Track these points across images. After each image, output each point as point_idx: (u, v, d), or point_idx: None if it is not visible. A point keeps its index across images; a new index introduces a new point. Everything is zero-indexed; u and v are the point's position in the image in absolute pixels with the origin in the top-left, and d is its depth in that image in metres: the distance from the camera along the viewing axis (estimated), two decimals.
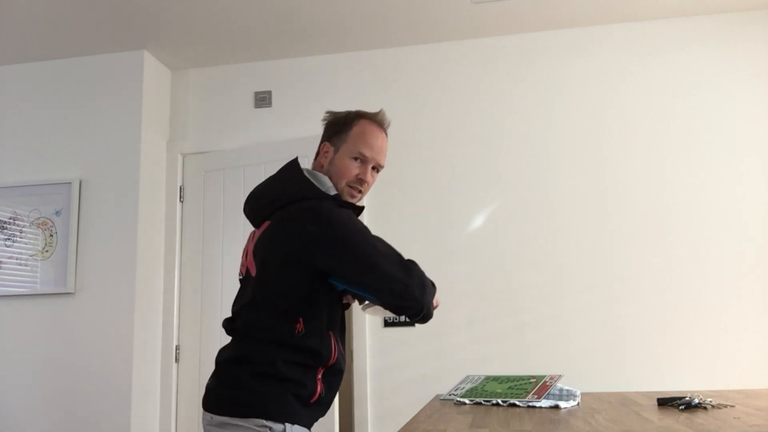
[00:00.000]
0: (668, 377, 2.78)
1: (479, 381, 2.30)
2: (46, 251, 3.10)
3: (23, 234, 3.13)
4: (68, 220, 3.09)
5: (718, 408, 1.63)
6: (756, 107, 2.96)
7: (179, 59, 3.38)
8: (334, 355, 1.47)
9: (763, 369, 2.75)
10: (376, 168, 1.60)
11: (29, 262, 3.10)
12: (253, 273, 1.51)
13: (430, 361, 2.95)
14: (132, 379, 2.91)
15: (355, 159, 1.55)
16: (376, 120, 1.60)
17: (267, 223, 1.53)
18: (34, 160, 3.22)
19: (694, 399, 1.66)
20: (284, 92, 3.37)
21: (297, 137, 3.20)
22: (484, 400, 1.93)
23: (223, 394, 1.46)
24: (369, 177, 1.58)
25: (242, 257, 1.62)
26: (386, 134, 1.63)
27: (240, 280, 1.61)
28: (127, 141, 3.15)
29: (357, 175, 1.56)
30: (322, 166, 1.59)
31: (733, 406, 1.66)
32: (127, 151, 3.14)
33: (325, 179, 1.56)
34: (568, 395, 1.96)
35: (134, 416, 2.90)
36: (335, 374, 1.51)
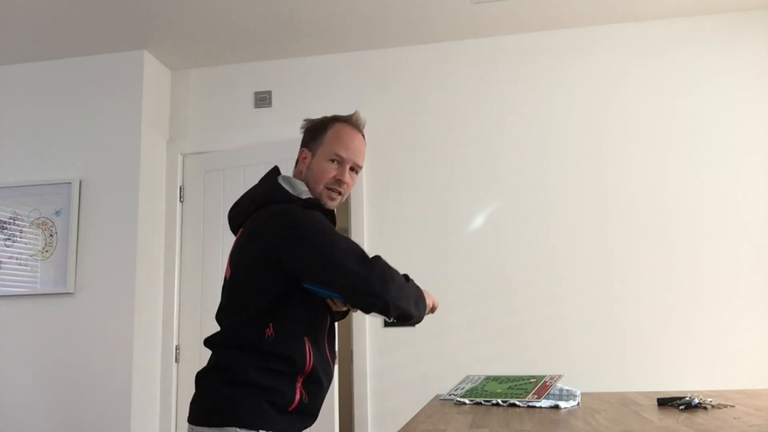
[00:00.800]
0: (668, 377, 2.78)
1: (479, 381, 2.30)
2: (46, 251, 3.10)
3: (23, 234, 3.13)
4: (68, 220, 3.09)
5: (718, 408, 1.63)
6: (756, 107, 2.96)
7: (179, 59, 3.38)
8: (309, 362, 1.44)
9: (763, 369, 2.75)
10: (354, 169, 1.60)
11: (29, 262, 3.10)
12: (227, 278, 1.53)
13: (430, 361, 2.95)
14: (132, 379, 2.91)
15: (332, 161, 1.56)
16: (351, 121, 1.62)
17: (240, 230, 1.56)
18: (34, 160, 3.22)
19: (694, 399, 1.66)
20: (284, 92, 3.37)
21: (297, 137, 3.14)
22: (484, 400, 1.93)
23: (199, 404, 1.46)
24: (347, 177, 1.58)
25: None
26: (363, 135, 1.64)
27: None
28: (127, 141, 3.15)
29: (335, 176, 1.56)
30: (301, 173, 1.61)
31: (733, 406, 1.66)
32: (127, 151, 3.14)
33: (299, 184, 1.57)
34: (568, 395, 1.96)
35: (134, 416, 2.90)
36: (314, 383, 1.47)
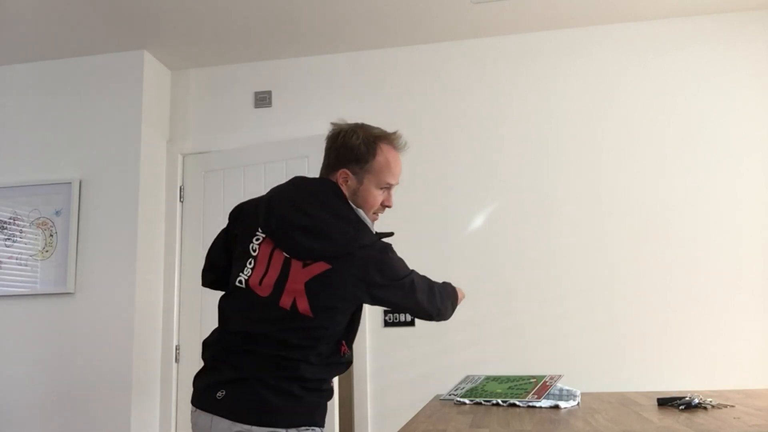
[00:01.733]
0: (668, 377, 2.78)
1: (479, 381, 2.30)
2: (46, 251, 3.10)
3: (23, 234, 3.13)
4: (68, 220, 3.09)
5: (718, 408, 1.63)
6: (755, 107, 2.96)
7: (179, 59, 3.38)
8: (342, 358, 1.63)
9: (763, 369, 2.75)
10: None
11: (29, 262, 3.10)
12: (288, 303, 1.49)
13: (430, 361, 2.95)
14: (132, 379, 2.91)
15: (382, 189, 1.63)
16: (398, 146, 1.68)
17: (323, 265, 1.48)
18: (34, 160, 3.22)
19: (694, 399, 1.66)
20: (284, 92, 3.37)
21: (297, 137, 3.20)
22: (484, 400, 1.93)
23: (264, 405, 1.48)
24: (392, 201, 1.69)
25: (251, 266, 1.56)
26: None
27: (243, 288, 1.56)
28: (127, 141, 3.15)
29: (383, 203, 1.65)
30: (350, 194, 1.60)
31: (733, 406, 1.66)
32: (127, 151, 3.14)
33: (361, 212, 1.60)
34: (568, 395, 1.96)
35: (134, 416, 2.91)
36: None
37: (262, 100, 3.38)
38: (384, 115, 3.21)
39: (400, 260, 1.61)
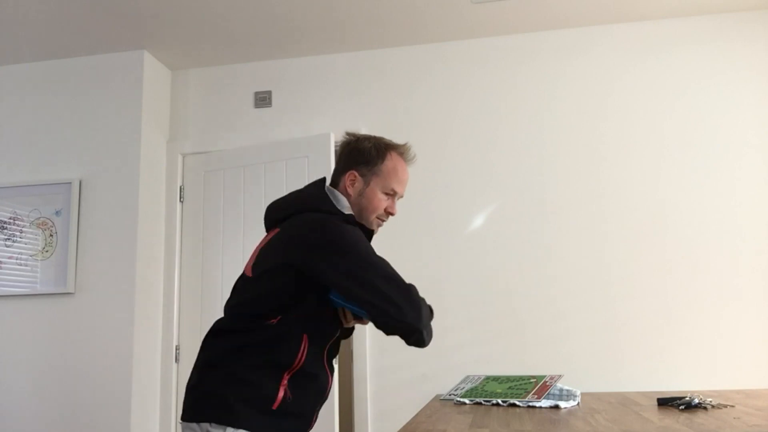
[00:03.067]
0: (668, 377, 2.78)
1: (479, 381, 2.30)
2: (46, 251, 3.10)
3: (23, 234, 3.13)
4: (68, 220, 3.09)
5: (718, 408, 1.63)
6: (755, 107, 2.96)
7: (179, 59, 3.38)
8: (300, 358, 1.44)
9: (763, 369, 2.75)
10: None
11: (29, 262, 3.10)
12: (249, 275, 1.52)
13: (430, 361, 2.95)
14: (132, 379, 2.91)
15: (387, 194, 1.63)
16: (407, 156, 1.68)
17: (276, 230, 1.56)
18: (34, 160, 3.22)
19: (694, 399, 1.66)
20: (284, 92, 3.37)
21: (297, 137, 3.20)
22: (484, 400, 1.93)
23: (186, 399, 1.48)
24: (396, 209, 1.67)
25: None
26: None
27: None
28: (127, 141, 3.15)
29: (386, 209, 1.64)
30: (350, 195, 1.62)
31: (733, 406, 1.66)
32: (127, 151, 3.14)
33: (343, 199, 1.60)
34: (568, 395, 1.96)
35: (134, 416, 2.91)
36: (301, 381, 1.46)
37: (262, 100, 3.38)
38: (383, 115, 3.21)
39: (367, 245, 1.48)
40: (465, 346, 2.94)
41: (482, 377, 2.37)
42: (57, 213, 3.12)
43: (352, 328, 1.63)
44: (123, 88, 3.21)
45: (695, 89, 3.03)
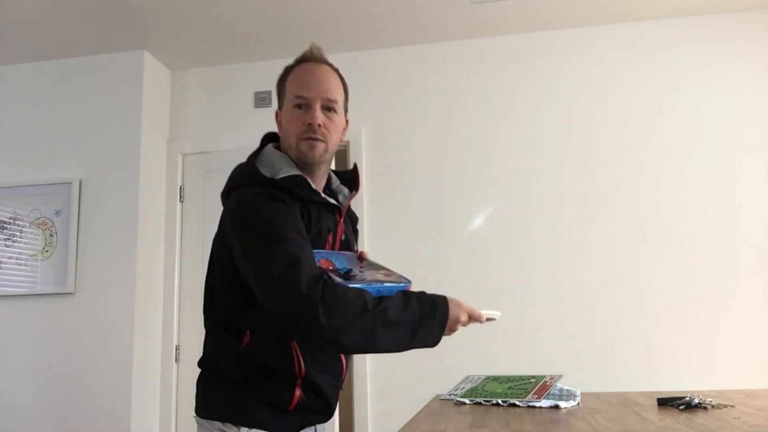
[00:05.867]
0: (668, 377, 2.78)
1: (479, 381, 2.30)
2: (46, 251, 3.10)
3: (23, 234, 3.13)
4: (68, 220, 3.09)
5: (718, 408, 1.63)
6: (755, 107, 2.96)
7: (179, 59, 3.38)
8: (301, 368, 1.31)
9: (763, 369, 2.75)
10: (329, 107, 1.38)
11: (29, 262, 3.10)
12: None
13: (430, 361, 2.94)
14: (132, 379, 2.91)
15: (298, 107, 1.37)
16: (307, 56, 1.45)
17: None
18: (34, 160, 3.22)
19: (694, 399, 1.66)
20: None
21: None
22: (484, 400, 1.93)
23: (196, 395, 1.42)
24: (319, 118, 1.35)
25: None
26: (329, 65, 1.46)
27: None
28: (127, 141, 3.15)
29: (305, 122, 1.35)
30: (282, 139, 1.43)
31: (733, 406, 1.66)
32: (127, 151, 3.14)
33: (279, 160, 1.38)
34: (568, 395, 1.96)
35: (134, 416, 2.90)
36: (312, 386, 1.34)
37: (262, 100, 3.38)
38: (383, 115, 3.21)
39: (282, 218, 1.24)
40: (465, 346, 2.94)
41: (482, 377, 2.37)
42: (57, 213, 3.12)
43: None
44: (123, 88, 3.21)
45: (695, 89, 3.03)
